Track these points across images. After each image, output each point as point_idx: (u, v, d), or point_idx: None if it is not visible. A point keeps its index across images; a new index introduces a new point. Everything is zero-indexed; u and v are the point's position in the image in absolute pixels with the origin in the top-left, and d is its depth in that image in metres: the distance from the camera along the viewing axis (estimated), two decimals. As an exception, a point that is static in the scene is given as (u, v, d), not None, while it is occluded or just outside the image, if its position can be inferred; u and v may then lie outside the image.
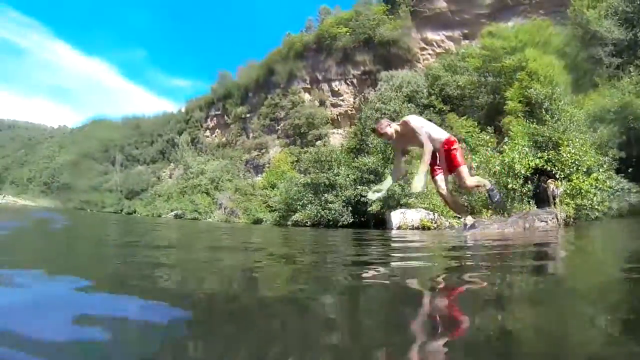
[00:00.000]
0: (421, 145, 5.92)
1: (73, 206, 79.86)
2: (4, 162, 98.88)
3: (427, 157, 5.74)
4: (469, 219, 6.92)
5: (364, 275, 3.26)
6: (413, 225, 21.01)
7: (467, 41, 41.79)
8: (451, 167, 5.97)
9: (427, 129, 5.90)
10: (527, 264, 3.98)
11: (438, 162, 6.14)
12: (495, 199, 6.17)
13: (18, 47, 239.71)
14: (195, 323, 1.79)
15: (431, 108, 33.39)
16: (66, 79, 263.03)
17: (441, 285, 2.82)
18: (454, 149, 5.88)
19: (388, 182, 6.19)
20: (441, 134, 5.97)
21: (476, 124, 27.90)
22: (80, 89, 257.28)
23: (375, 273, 3.42)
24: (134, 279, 2.84)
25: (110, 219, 23.71)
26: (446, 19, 44.58)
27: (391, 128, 5.99)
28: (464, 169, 5.95)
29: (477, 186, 6.54)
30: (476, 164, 18.78)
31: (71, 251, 4.83)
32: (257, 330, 1.64)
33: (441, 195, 6.43)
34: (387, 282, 3.04)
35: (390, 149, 25.57)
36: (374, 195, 6.31)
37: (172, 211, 56.66)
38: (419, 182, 5.68)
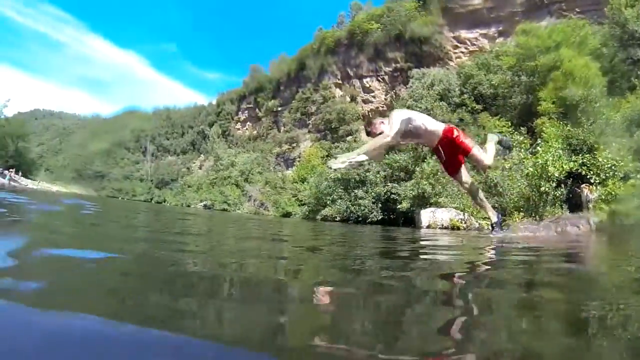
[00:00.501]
0: (418, 140, 5.98)
1: (105, 194, 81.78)
2: (39, 150, 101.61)
3: (371, 144, 5.58)
4: (496, 217, 6.73)
5: (389, 266, 3.41)
6: (442, 225, 20.74)
7: (501, 39, 41.36)
8: (464, 154, 5.80)
9: (420, 122, 5.62)
10: (558, 266, 3.89)
11: (444, 158, 5.98)
12: (505, 144, 6.18)
13: (55, 41, 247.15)
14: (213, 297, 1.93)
15: (463, 107, 33.20)
16: (100, 70, 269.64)
17: (461, 276, 2.86)
18: (457, 136, 5.66)
19: (362, 157, 5.70)
20: (438, 126, 5.70)
21: (509, 125, 27.55)
22: (113, 80, 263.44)
23: (401, 265, 3.59)
24: (163, 264, 2.94)
25: (141, 207, 23.98)
26: (479, 17, 44.17)
27: (385, 125, 5.73)
28: (477, 151, 5.76)
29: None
30: (508, 165, 18.85)
31: (103, 234, 4.97)
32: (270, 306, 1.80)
33: (466, 191, 6.49)
34: (409, 274, 3.10)
35: (421, 146, 25.14)
36: (337, 164, 5.70)
37: (201, 202, 57.51)
38: (339, 159, 5.49)
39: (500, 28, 42.82)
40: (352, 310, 1.86)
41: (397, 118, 5.44)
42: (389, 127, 5.45)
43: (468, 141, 5.72)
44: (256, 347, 1.21)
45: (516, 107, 30.44)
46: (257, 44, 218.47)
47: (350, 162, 5.41)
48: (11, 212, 6.54)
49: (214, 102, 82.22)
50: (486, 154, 5.95)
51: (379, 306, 2.09)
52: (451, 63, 43.91)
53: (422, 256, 4.70)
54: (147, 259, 2.97)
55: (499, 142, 6.27)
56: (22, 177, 52.41)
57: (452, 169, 6.13)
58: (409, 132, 5.62)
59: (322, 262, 3.66)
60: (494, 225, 6.72)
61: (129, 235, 5.18)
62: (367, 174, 30.31)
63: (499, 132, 7.19)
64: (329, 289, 2.22)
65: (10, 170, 50.21)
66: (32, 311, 1.28)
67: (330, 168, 5.74)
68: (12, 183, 41.44)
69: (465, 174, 6.15)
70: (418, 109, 31.06)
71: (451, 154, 5.83)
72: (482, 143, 6.14)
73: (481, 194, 6.48)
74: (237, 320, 1.53)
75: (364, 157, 5.62)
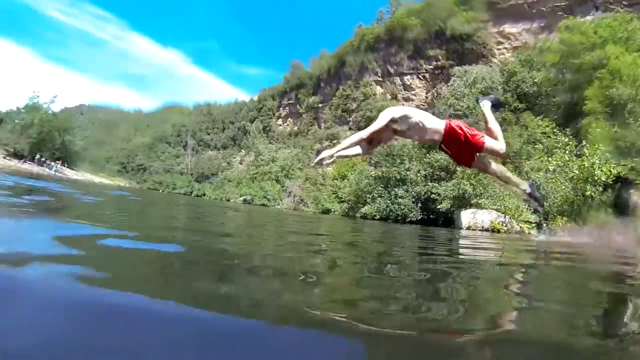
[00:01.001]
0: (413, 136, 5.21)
1: (146, 186, 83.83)
2: (84, 143, 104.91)
3: (350, 138, 4.92)
4: (528, 185, 5.82)
5: (425, 262, 3.75)
6: (483, 227, 20.91)
7: (544, 34, 40.41)
8: (476, 150, 5.07)
9: (417, 119, 4.85)
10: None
11: (453, 155, 5.25)
12: (494, 101, 5.45)
13: (97, 39, 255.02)
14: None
15: (506, 106, 32.42)
16: (142, 67, 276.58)
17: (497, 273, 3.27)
18: (463, 131, 4.88)
19: (356, 150, 5.20)
20: (438, 123, 4.93)
21: (553, 125, 27.25)
22: (154, 76, 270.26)
23: (438, 262, 3.92)
24: (211, 252, 3.26)
25: (181, 200, 24.64)
26: (522, 11, 43.54)
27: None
28: (489, 142, 5.03)
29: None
30: (552, 167, 18.88)
31: (154, 224, 5.31)
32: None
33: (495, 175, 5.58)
34: (447, 268, 3.53)
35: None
36: (321, 161, 5.07)
37: (241, 196, 58.21)
38: (323, 155, 4.83)
39: (543, 23, 42.07)
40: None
41: (386, 113, 4.85)
42: (373, 125, 4.91)
43: (477, 135, 5.04)
44: (295, 324, 1.49)
45: (560, 107, 30.06)
46: (297, 39, 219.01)
47: (332, 157, 4.84)
48: (64, 201, 7.35)
49: (255, 98, 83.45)
50: (497, 140, 5.31)
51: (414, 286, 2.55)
52: (494, 60, 43.26)
53: (460, 256, 5.13)
54: (196, 248, 3.33)
55: (493, 106, 5.69)
56: (67, 168, 54.80)
57: (466, 163, 5.46)
58: (403, 130, 5.01)
59: (358, 257, 4.04)
60: (530, 194, 6.00)
61: (175, 225, 5.69)
62: (408, 172, 30.29)
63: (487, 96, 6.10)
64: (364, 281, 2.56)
65: (57, 161, 52.91)
66: (107, 292, 1.56)
67: (316, 165, 5.18)
68: (59, 174, 43.71)
69: (484, 161, 5.46)
70: (460, 108, 31.04)
71: (459, 151, 5.20)
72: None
73: (507, 173, 5.73)
74: (275, 302, 1.79)
75: (348, 152, 5.04)
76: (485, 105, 5.76)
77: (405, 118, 4.89)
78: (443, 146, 5.18)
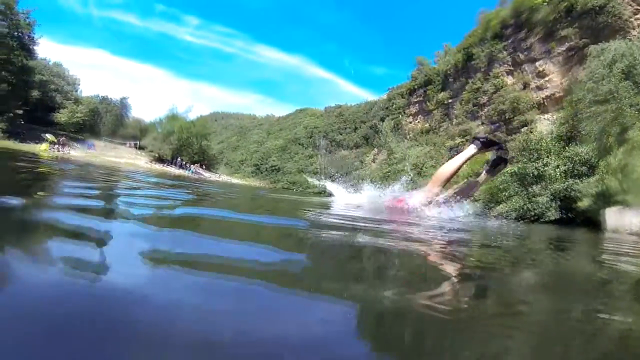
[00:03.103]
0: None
1: (280, 186, 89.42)
2: (219, 147, 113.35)
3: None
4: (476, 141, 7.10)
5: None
6: (631, 230, 18.10)
7: None
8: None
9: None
10: None
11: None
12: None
13: (225, 53, 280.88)
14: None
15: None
16: (270, 73, 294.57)
17: None
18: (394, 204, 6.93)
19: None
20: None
21: None
22: (283, 82, 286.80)
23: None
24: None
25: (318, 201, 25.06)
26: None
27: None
28: (413, 201, 6.78)
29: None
30: None
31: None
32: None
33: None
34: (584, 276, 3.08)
35: (607, 136, 24.20)
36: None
37: None
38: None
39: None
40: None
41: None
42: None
43: (402, 202, 6.84)
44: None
45: None
46: (420, 34, 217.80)
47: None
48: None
49: (385, 96, 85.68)
50: (434, 185, 6.89)
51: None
52: (633, 32, 38.91)
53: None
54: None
55: (494, 162, 7.37)
56: (204, 170, 62.85)
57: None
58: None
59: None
60: (484, 141, 7.16)
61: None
62: (546, 168, 29.51)
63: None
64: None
65: (196, 164, 61.28)
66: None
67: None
68: (195, 175, 51.34)
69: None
70: (601, 92, 26.73)
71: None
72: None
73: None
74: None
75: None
76: (470, 149, 6.93)
77: None
78: None
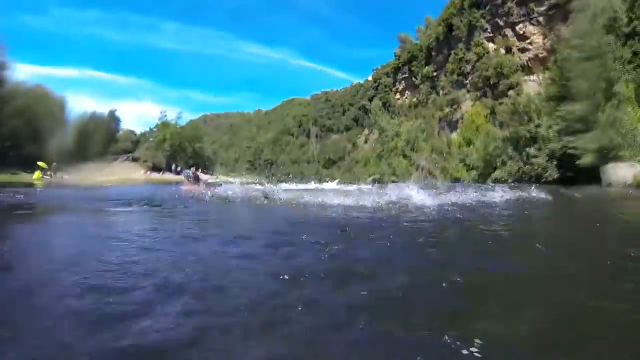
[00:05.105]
0: None
1: (276, 179, 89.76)
2: (212, 148, 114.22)
3: None
4: None
5: None
6: (626, 183, 19.39)
7: None
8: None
9: None
10: None
11: None
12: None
13: (207, 55, 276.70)
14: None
15: (636, 37, 27.74)
16: (254, 70, 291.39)
17: None
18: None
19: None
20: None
21: None
22: (267, 76, 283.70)
23: None
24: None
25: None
26: None
27: None
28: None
29: None
30: None
31: None
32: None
33: None
34: None
35: (595, 93, 23.49)
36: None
37: (370, 176, 60.53)
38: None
39: None
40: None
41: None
42: None
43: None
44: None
45: None
46: (400, 12, 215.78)
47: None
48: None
49: (370, 78, 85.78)
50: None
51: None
52: None
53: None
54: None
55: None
56: (201, 173, 63.21)
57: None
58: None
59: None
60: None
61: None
62: (538, 129, 29.52)
63: None
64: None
65: (192, 168, 61.80)
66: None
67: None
68: (189, 184, 52.14)
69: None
70: (588, 48, 25.29)
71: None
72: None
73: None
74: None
75: None
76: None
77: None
78: None
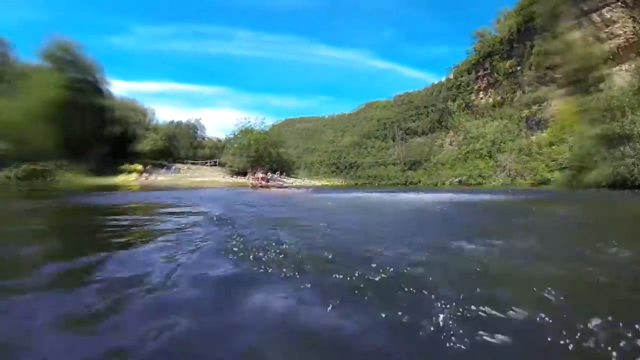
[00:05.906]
0: None
1: (361, 182, 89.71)
2: (295, 152, 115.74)
3: None
4: None
5: None
6: None
7: None
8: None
9: None
10: None
11: None
12: None
13: (283, 61, 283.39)
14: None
15: None
16: (328, 73, 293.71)
17: None
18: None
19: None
20: None
21: None
22: (341, 79, 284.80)
23: None
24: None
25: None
26: None
27: None
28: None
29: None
30: None
31: None
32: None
33: None
34: None
35: None
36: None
37: (455, 178, 59.97)
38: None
39: None
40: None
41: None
42: None
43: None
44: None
45: None
46: (468, 5, 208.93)
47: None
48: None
49: (451, 76, 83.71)
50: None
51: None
52: None
53: None
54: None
55: None
56: (284, 177, 64.84)
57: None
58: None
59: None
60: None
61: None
62: (633, 125, 27.64)
63: None
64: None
65: (276, 172, 63.93)
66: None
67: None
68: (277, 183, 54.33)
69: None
70: None
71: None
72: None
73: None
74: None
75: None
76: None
77: None
78: None
